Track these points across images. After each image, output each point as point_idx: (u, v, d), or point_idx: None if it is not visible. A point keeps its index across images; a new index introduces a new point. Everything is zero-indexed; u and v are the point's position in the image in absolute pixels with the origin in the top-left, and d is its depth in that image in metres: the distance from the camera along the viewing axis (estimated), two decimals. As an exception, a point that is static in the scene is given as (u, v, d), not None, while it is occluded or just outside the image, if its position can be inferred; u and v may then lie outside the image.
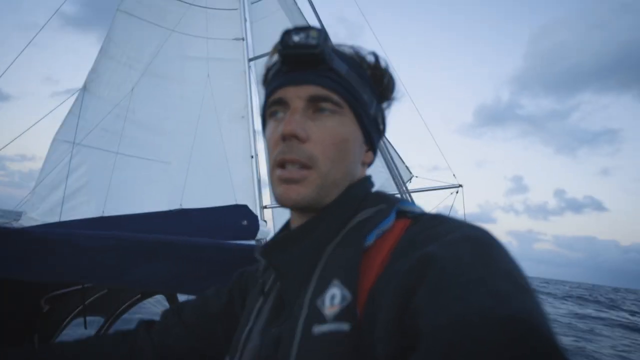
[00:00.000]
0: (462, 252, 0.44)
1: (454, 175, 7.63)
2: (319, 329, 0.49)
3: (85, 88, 6.01)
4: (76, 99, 5.94)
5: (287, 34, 0.61)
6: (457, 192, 7.17)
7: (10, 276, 0.82)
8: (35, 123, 6.25)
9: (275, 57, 0.67)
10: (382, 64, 0.69)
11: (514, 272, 0.42)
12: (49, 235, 0.85)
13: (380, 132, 0.72)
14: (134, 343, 0.79)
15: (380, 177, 7.52)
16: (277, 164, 0.62)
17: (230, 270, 0.92)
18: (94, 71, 6.16)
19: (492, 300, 0.37)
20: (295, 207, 0.62)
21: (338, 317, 0.49)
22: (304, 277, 0.57)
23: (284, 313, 0.59)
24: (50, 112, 6.52)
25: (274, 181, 0.63)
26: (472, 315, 0.37)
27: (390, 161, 3.11)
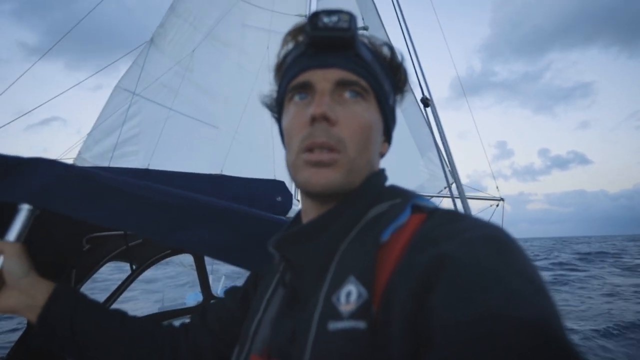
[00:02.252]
0: (479, 251, 0.42)
1: (497, 187, 7.37)
2: (334, 325, 0.48)
3: (152, 41, 6.22)
4: (142, 51, 6.16)
5: (316, 15, 0.59)
6: (497, 206, 6.94)
7: (60, 211, 0.86)
8: (83, 80, 6.56)
9: (291, 45, 0.66)
10: (398, 57, 0.67)
11: (531, 273, 0.41)
12: (114, 183, 0.89)
13: (395, 123, 0.71)
14: (178, 344, 0.81)
15: (420, 178, 7.38)
16: (305, 149, 0.59)
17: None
18: (162, 26, 6.35)
19: (510, 302, 0.36)
20: (322, 194, 0.59)
21: (354, 315, 0.48)
22: (318, 271, 0.56)
23: (297, 306, 0.58)
24: (116, 61, 6.82)
25: (299, 165, 0.60)
26: (488, 317, 0.36)
27: (446, 162, 3.03)
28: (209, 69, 6.46)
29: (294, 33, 0.65)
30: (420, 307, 0.41)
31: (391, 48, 0.67)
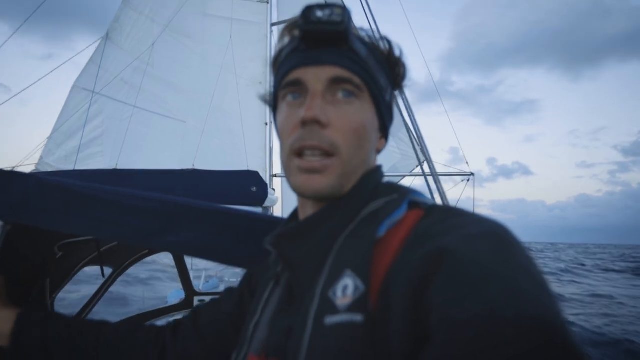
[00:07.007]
0: (479, 246, 0.42)
1: (467, 163, 7.56)
2: (330, 319, 0.48)
3: (107, 37, 5.96)
4: (97, 47, 5.90)
5: (309, 9, 0.58)
6: (468, 181, 7.13)
7: (35, 224, 0.84)
8: (50, 72, 6.26)
9: (287, 39, 0.64)
10: (397, 51, 0.66)
11: (532, 270, 0.40)
12: (82, 190, 0.86)
13: (392, 119, 0.71)
14: (164, 346, 0.80)
15: (392, 158, 7.47)
16: (295, 152, 0.59)
17: (258, 241, 0.92)
18: (116, 20, 6.09)
19: (510, 298, 0.36)
20: (314, 198, 0.60)
21: (351, 308, 0.47)
22: (315, 268, 0.56)
23: (294, 303, 0.58)
24: (69, 60, 6.52)
25: (292, 170, 0.60)
26: (487, 315, 0.36)
27: (416, 141, 3.03)
28: (171, 63, 6.26)
29: (290, 27, 0.63)
30: (419, 302, 0.41)
31: (389, 42, 0.66)
